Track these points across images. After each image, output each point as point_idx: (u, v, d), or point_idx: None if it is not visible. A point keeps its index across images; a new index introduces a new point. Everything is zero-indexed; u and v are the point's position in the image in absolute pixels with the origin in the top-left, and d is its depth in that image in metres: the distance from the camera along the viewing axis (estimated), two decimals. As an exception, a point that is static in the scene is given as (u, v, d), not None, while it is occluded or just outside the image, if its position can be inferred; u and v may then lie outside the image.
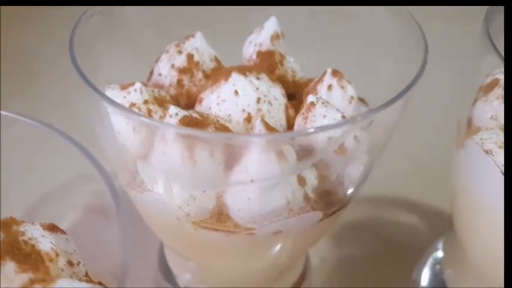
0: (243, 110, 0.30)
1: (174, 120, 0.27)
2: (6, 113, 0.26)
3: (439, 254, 0.42)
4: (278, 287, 0.39)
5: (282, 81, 0.34)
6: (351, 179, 0.30)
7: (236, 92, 0.30)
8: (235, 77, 0.30)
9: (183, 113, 0.27)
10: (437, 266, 0.41)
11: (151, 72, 0.36)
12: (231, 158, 0.27)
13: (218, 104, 0.30)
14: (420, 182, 0.50)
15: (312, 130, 0.28)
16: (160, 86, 0.35)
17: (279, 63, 0.35)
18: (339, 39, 0.37)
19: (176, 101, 0.33)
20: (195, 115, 0.28)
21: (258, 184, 0.27)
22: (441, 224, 0.45)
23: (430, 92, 0.52)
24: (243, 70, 0.31)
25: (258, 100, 0.30)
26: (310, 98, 0.29)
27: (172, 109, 0.27)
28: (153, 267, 0.43)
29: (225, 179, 0.28)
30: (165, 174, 0.28)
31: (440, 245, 0.42)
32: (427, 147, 0.53)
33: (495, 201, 0.29)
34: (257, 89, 0.30)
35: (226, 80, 0.30)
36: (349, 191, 0.31)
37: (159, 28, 0.39)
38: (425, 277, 0.41)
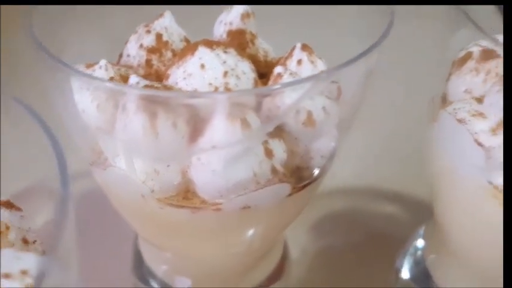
0: (210, 84, 0.29)
1: (135, 90, 0.26)
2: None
3: (421, 241, 0.41)
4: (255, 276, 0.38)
5: (253, 60, 0.33)
6: (322, 153, 0.29)
7: (203, 66, 0.29)
8: (202, 50, 0.29)
9: (144, 82, 0.26)
10: (419, 253, 0.40)
11: (120, 55, 0.35)
12: (195, 130, 0.27)
13: (185, 78, 0.29)
14: (399, 171, 0.49)
15: (279, 86, 0.27)
16: (129, 67, 0.34)
17: (250, 42, 0.34)
18: (308, 18, 0.37)
19: (144, 81, 0.32)
20: (157, 85, 0.27)
21: (220, 152, 0.26)
22: (422, 213, 0.44)
23: (401, 76, 0.51)
24: (210, 44, 0.30)
25: (225, 74, 0.29)
26: (278, 69, 0.29)
27: (133, 78, 0.26)
28: (128, 261, 0.42)
29: (189, 153, 0.27)
30: (127, 147, 0.27)
31: (421, 232, 0.41)
32: (404, 135, 0.52)
33: (469, 173, 0.28)
34: (224, 62, 0.29)
35: (192, 54, 0.30)
36: (320, 166, 0.30)
37: (129, 13, 0.38)
38: (407, 265, 0.40)
